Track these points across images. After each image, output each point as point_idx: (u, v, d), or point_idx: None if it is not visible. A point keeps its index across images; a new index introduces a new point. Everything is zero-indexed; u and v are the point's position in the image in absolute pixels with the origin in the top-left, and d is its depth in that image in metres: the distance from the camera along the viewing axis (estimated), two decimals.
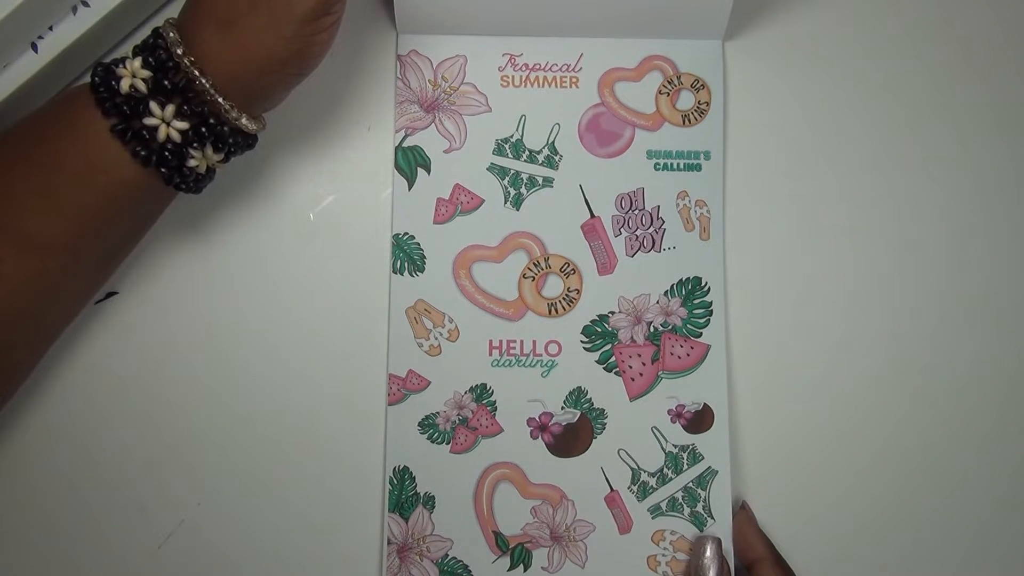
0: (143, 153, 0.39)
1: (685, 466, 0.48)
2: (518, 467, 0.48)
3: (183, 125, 0.39)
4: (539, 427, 0.48)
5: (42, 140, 0.40)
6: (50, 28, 0.44)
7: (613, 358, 0.48)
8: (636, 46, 0.50)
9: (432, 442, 0.48)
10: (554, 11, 0.48)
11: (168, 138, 0.39)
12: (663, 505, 0.48)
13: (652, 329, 0.49)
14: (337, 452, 0.48)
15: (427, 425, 0.48)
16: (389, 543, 0.47)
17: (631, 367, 0.48)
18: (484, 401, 0.48)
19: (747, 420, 0.49)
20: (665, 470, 0.48)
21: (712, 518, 0.48)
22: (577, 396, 0.48)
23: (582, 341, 0.48)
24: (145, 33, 0.40)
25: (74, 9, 0.44)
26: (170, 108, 0.39)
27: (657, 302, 0.49)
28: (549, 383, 0.48)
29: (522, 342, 0.48)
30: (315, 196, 0.49)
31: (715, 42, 0.50)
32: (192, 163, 0.40)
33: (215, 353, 0.48)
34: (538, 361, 0.48)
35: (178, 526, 0.48)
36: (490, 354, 0.48)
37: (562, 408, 0.48)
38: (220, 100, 0.39)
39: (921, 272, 0.50)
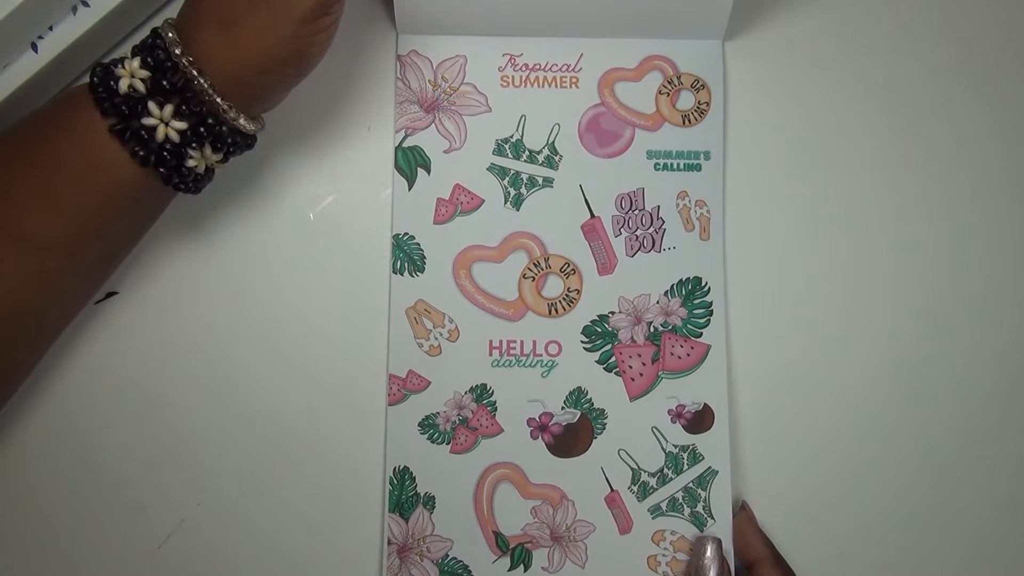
0: (142, 153, 0.39)
1: (685, 466, 0.48)
2: (518, 467, 0.48)
3: (182, 125, 0.39)
4: (539, 427, 0.48)
5: (41, 140, 0.40)
6: (50, 28, 0.44)
7: (613, 358, 0.48)
8: (636, 46, 0.50)
9: (432, 442, 0.48)
10: (554, 11, 0.48)
11: (167, 138, 0.39)
12: (663, 505, 0.48)
13: (652, 329, 0.49)
14: (337, 452, 0.48)
15: (427, 425, 0.48)
16: (389, 543, 0.47)
17: (631, 367, 0.48)
18: (484, 401, 0.48)
19: (747, 420, 0.49)
20: (665, 470, 0.48)
21: (712, 518, 0.48)
22: (577, 396, 0.48)
23: (582, 341, 0.48)
24: (145, 33, 0.40)
25: (74, 9, 0.44)
26: (169, 108, 0.39)
27: (657, 302, 0.49)
28: (549, 383, 0.48)
29: (522, 342, 0.48)
30: (315, 196, 0.49)
31: (715, 42, 0.50)
32: (191, 163, 0.40)
33: (215, 353, 0.48)
34: (538, 361, 0.48)
35: (178, 526, 0.48)
36: (490, 354, 0.48)
37: (562, 408, 0.48)
38: (219, 100, 0.39)
39: (921, 272, 0.50)
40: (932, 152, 0.51)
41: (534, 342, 0.48)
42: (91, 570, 0.47)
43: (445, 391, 0.48)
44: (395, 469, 0.47)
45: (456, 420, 0.48)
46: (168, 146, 0.39)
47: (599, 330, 0.48)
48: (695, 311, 0.49)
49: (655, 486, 0.48)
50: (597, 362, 0.48)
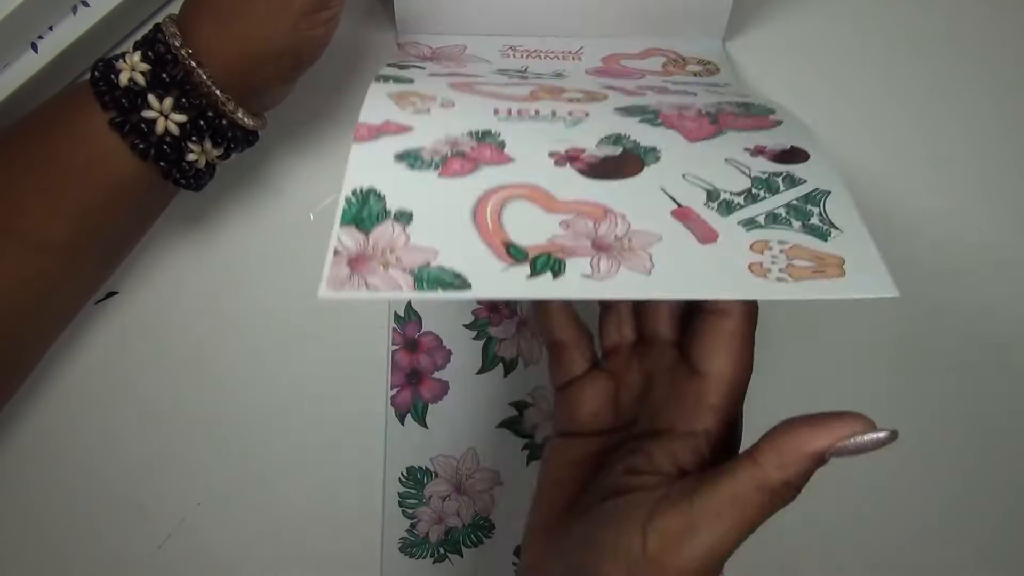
0: (141, 146, 0.39)
1: (782, 188, 0.37)
2: (538, 187, 0.36)
3: (181, 118, 0.39)
4: (566, 158, 0.36)
5: (41, 136, 0.40)
6: (50, 28, 0.44)
7: (660, 119, 0.39)
8: (636, 45, 0.50)
9: (412, 169, 0.35)
10: (553, 11, 0.48)
11: (166, 131, 0.39)
12: (760, 219, 0.35)
13: (705, 112, 0.40)
14: (337, 453, 0.48)
15: (407, 156, 0.35)
16: (336, 253, 0.32)
17: (684, 125, 0.39)
18: (488, 140, 0.37)
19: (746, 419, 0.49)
20: (754, 191, 0.36)
21: (836, 228, 0.35)
22: (616, 139, 0.37)
23: (616, 109, 0.39)
24: (145, 32, 0.41)
25: (74, 9, 0.44)
26: (168, 101, 0.39)
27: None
28: (577, 131, 0.37)
29: (538, 110, 0.38)
30: (316, 195, 0.49)
31: (715, 42, 0.50)
32: (191, 157, 0.40)
33: (215, 353, 0.48)
34: (561, 120, 0.38)
35: (178, 526, 0.48)
36: (495, 115, 0.38)
37: (597, 146, 0.37)
38: (218, 93, 0.39)
39: (923, 271, 0.50)
40: (934, 152, 0.51)
41: (553, 111, 0.38)
42: (91, 570, 0.47)
43: (434, 133, 0.36)
44: (355, 190, 0.34)
45: (448, 153, 0.36)
46: (168, 139, 0.39)
47: (639, 105, 0.40)
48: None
49: (742, 203, 0.36)
50: (640, 121, 0.39)
